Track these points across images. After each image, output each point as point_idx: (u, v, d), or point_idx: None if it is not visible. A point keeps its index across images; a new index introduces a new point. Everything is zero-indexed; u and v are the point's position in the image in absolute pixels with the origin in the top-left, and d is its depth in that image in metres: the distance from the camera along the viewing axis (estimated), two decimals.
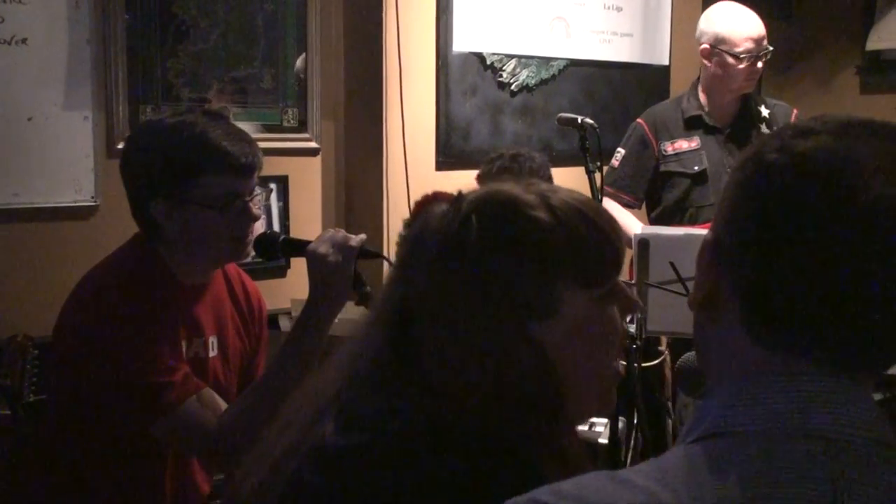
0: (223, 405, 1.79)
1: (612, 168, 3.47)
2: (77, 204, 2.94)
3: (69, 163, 2.92)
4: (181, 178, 1.80)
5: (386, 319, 1.10)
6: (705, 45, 3.36)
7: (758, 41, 3.28)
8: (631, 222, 3.35)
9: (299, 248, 1.87)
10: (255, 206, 1.87)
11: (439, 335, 1.05)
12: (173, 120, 1.86)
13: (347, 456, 1.01)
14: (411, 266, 1.10)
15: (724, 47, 3.31)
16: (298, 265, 2.64)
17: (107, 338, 1.74)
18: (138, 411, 1.76)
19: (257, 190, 1.89)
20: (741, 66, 3.28)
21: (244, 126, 1.99)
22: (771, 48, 3.31)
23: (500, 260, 1.05)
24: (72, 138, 2.92)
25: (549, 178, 3.00)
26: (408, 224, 1.15)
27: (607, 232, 1.09)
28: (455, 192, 1.13)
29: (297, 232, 3.26)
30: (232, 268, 2.06)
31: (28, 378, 2.33)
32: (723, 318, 0.86)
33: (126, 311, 1.76)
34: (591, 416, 1.26)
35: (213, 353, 1.94)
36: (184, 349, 1.86)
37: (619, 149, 3.50)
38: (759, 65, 3.30)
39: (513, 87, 3.85)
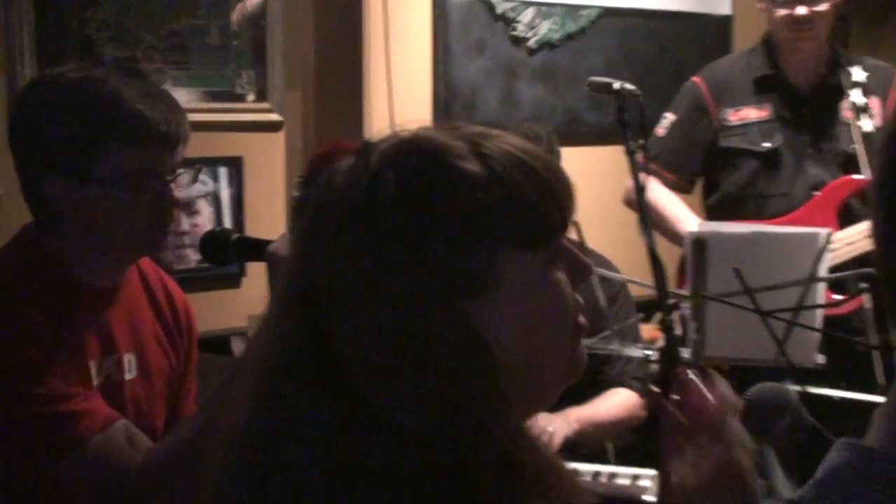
0: (146, 440, 1.72)
1: (657, 137, 3.22)
2: None
3: None
4: (83, 149, 1.73)
5: (290, 313, 1.03)
6: None
7: None
8: (680, 213, 3.12)
9: (257, 249, 1.76)
10: (178, 188, 1.80)
11: (354, 326, 0.97)
12: (76, 75, 1.77)
13: None
14: (314, 239, 1.03)
15: None
16: (256, 272, 2.70)
17: None
18: (40, 450, 1.69)
19: (181, 169, 1.81)
20: (780, 11, 3.05)
21: (186, 93, 1.97)
22: None
23: (422, 226, 0.97)
24: None
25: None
26: (303, 183, 1.17)
27: (551, 182, 1.04)
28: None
29: (253, 228, 3.23)
30: (150, 268, 1.98)
31: None
32: None
33: (13, 327, 1.69)
34: (543, 407, 1.18)
35: (130, 375, 1.88)
36: (92, 371, 1.79)
37: (668, 113, 3.25)
38: (802, 10, 3.01)
39: (531, 43, 3.76)
